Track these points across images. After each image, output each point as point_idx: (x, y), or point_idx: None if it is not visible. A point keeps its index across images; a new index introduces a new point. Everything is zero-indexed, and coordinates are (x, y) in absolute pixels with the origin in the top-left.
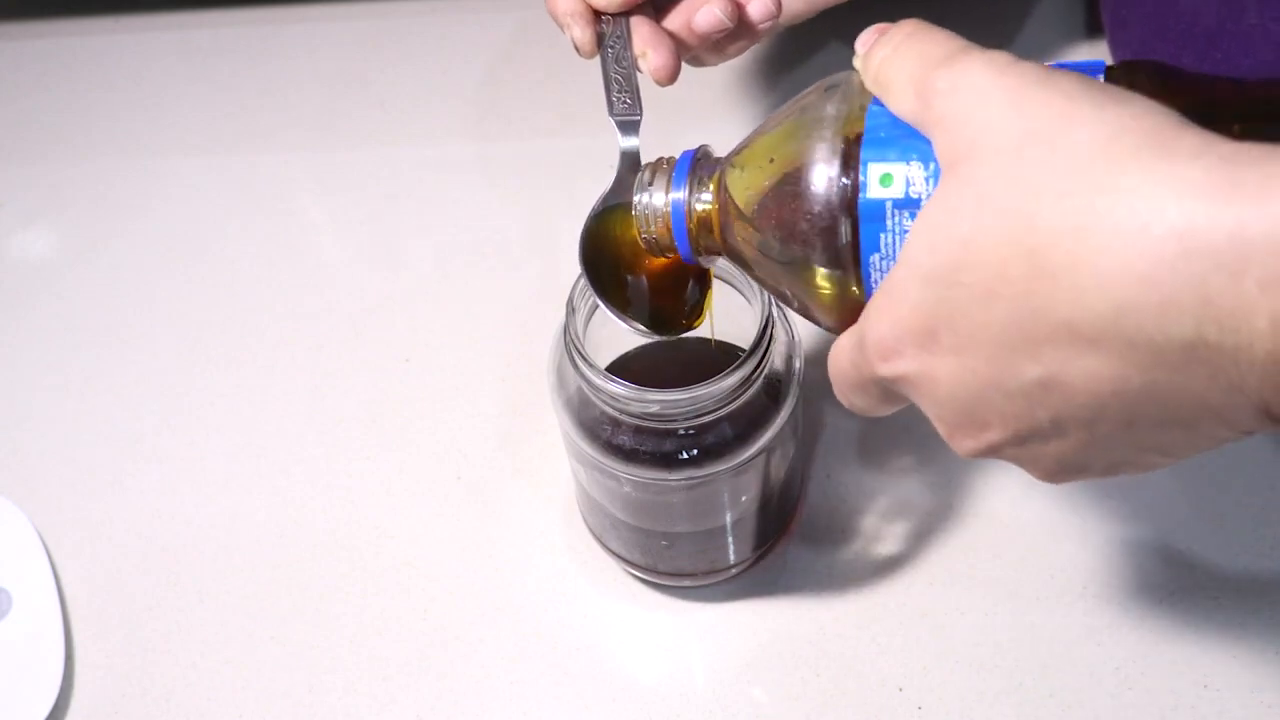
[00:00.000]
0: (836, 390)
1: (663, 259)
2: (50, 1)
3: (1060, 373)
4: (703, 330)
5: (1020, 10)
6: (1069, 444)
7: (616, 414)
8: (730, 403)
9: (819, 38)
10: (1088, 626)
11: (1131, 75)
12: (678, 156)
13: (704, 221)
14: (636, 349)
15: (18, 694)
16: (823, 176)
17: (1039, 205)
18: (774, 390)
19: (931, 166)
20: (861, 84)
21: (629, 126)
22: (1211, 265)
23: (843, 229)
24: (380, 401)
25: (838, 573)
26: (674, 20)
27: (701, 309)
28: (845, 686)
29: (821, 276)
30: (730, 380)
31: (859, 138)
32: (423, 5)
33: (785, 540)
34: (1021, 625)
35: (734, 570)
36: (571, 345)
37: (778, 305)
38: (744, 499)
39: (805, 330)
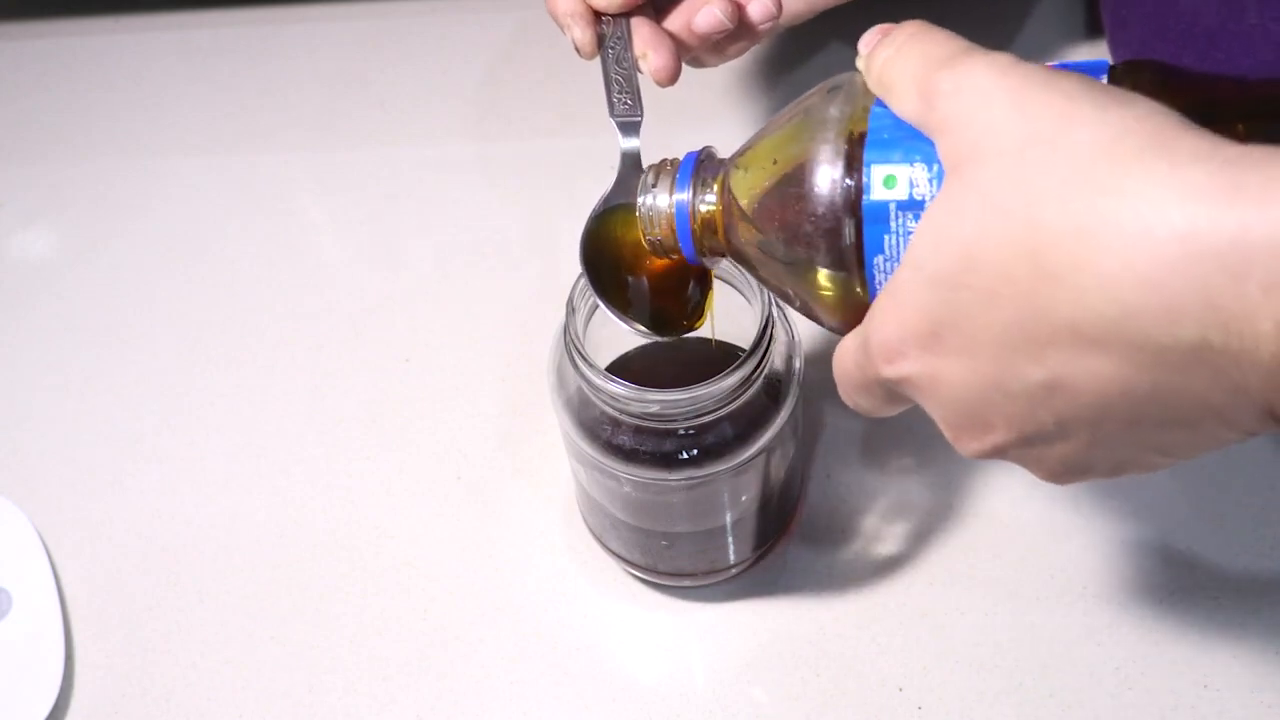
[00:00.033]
0: (841, 391)
1: (664, 260)
2: (50, 1)
3: (1064, 374)
4: (703, 330)
5: (1020, 10)
6: (1073, 445)
7: (616, 414)
8: (730, 403)
9: (819, 38)
10: (1088, 626)
11: (1134, 75)
12: (681, 158)
13: (708, 223)
14: (636, 349)
15: (18, 694)
16: (826, 178)
17: (1042, 207)
18: (774, 390)
19: (935, 168)
20: (864, 85)
21: (630, 127)
22: (1215, 268)
23: (846, 231)
24: (380, 401)
25: (838, 573)
26: (674, 21)
27: (703, 310)
28: (845, 686)
29: (825, 278)
30: (730, 380)
31: (862, 139)
32: (423, 5)
33: (785, 540)
34: (1021, 625)
35: (734, 570)
36: (571, 345)
37: (778, 305)
38: (744, 499)
39: (805, 330)
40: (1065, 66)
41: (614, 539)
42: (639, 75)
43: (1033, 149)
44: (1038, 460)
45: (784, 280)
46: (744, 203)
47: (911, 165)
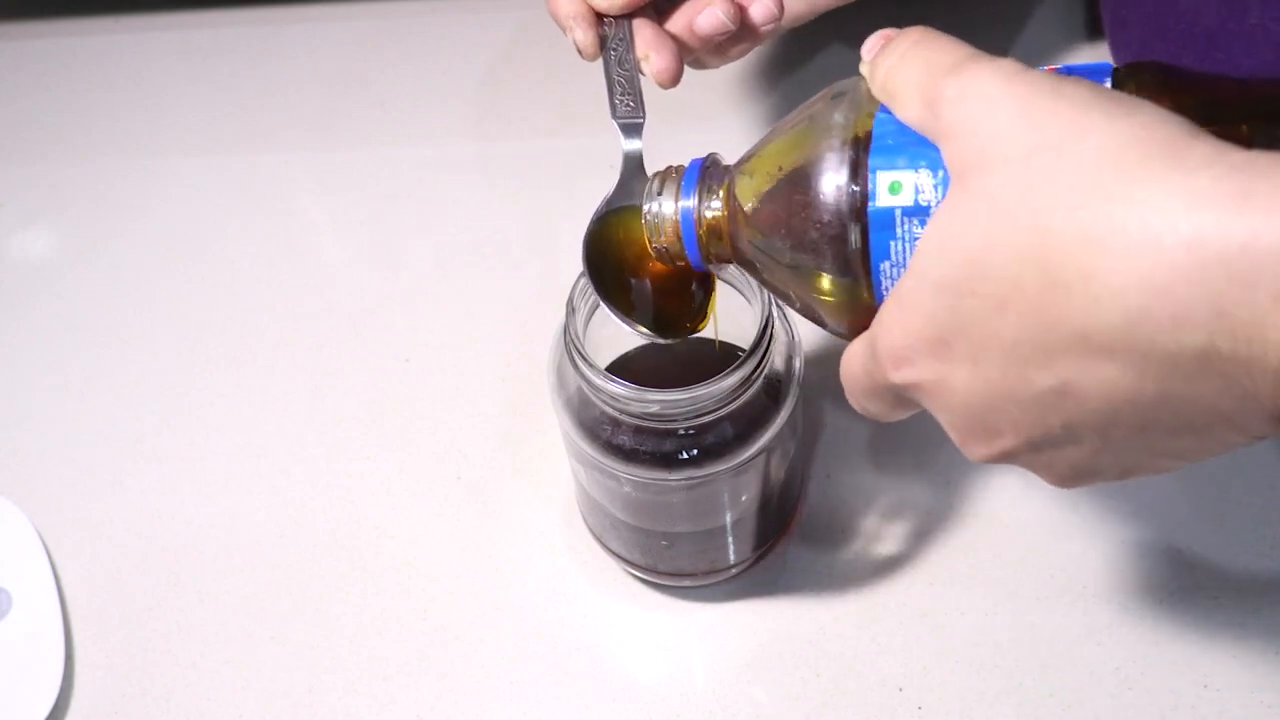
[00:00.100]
0: (849, 396)
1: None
2: (50, 1)
3: (1074, 382)
4: (706, 331)
5: (1021, 11)
6: (1082, 451)
7: (616, 414)
8: (730, 403)
9: (821, 39)
10: (1088, 626)
11: (1137, 77)
12: (686, 165)
13: (714, 229)
14: (636, 349)
15: (18, 694)
16: (832, 184)
17: (1050, 215)
18: (774, 390)
19: (940, 174)
20: (868, 91)
21: (632, 129)
22: (1224, 276)
23: (852, 237)
24: (380, 401)
25: (838, 573)
26: (676, 22)
27: (706, 311)
28: (845, 686)
29: (832, 284)
30: (730, 380)
31: (867, 145)
32: (423, 5)
33: (785, 540)
34: (1021, 625)
35: (734, 570)
36: (571, 345)
37: (778, 305)
38: (744, 499)
39: (805, 330)
40: (1068, 70)
41: (614, 539)
42: (641, 77)
43: (1039, 156)
44: (1046, 466)
45: (790, 286)
46: (749, 209)
47: (917, 171)
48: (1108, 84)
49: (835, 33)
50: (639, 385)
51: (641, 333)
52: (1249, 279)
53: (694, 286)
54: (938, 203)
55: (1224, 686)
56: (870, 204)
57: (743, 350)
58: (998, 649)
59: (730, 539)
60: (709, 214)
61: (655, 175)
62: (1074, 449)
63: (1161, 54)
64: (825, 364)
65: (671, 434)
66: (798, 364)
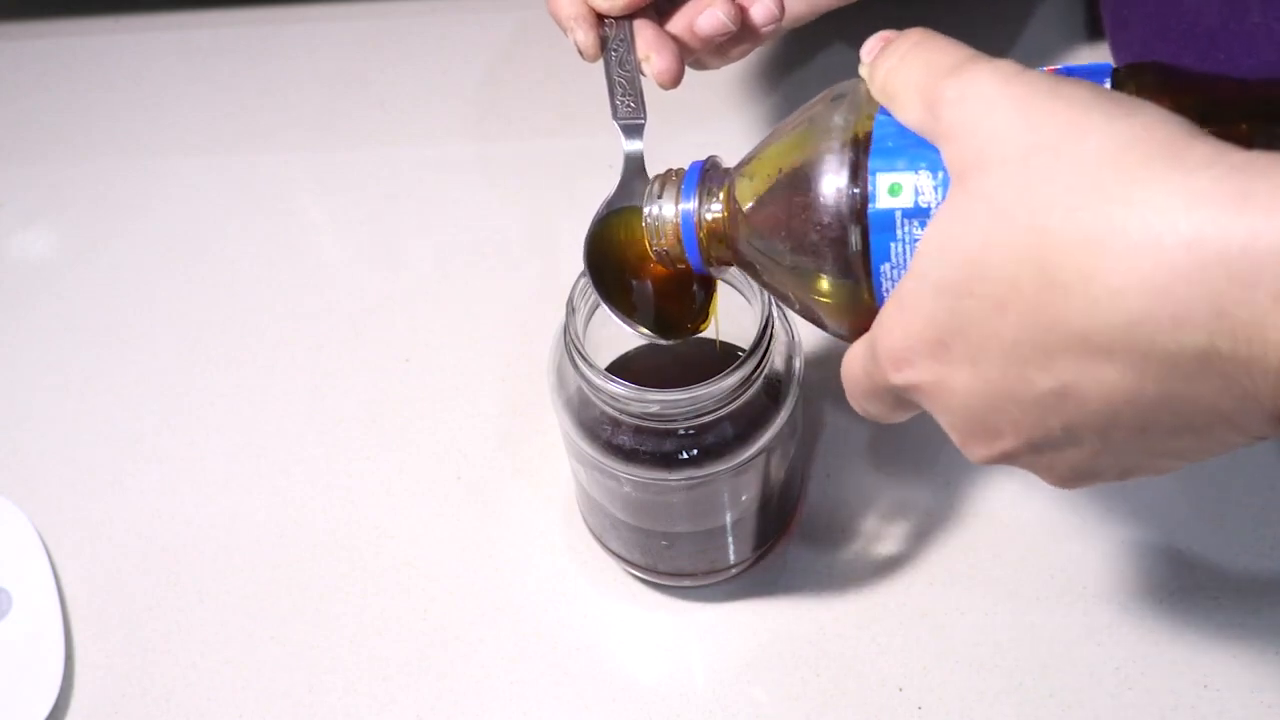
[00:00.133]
0: (850, 397)
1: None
2: (50, 1)
3: (1074, 383)
4: (707, 332)
5: (1021, 12)
6: (1083, 452)
7: (616, 414)
8: (730, 403)
9: (822, 40)
10: (1088, 626)
11: (1138, 77)
12: (686, 168)
13: (714, 232)
14: (636, 349)
15: (18, 694)
16: (831, 187)
17: (1050, 217)
18: (774, 390)
19: (940, 175)
20: (868, 93)
21: (633, 130)
22: (1224, 277)
23: (853, 239)
24: (380, 401)
25: (838, 573)
26: (677, 23)
27: (707, 312)
28: (845, 686)
29: (832, 285)
30: (730, 380)
31: (867, 147)
32: (423, 5)
33: (785, 540)
34: (1021, 625)
35: (734, 570)
36: (571, 345)
37: (778, 305)
38: (744, 499)
39: (805, 330)
40: (1068, 71)
41: (614, 539)
42: (642, 78)
43: (1038, 157)
44: (1047, 467)
45: (791, 288)
46: (750, 212)
47: (916, 173)
48: (1107, 84)
49: (836, 33)
50: (639, 385)
51: (642, 334)
52: (1249, 279)
53: (695, 287)
54: (938, 204)
55: (1224, 686)
56: (870, 206)
57: (743, 350)
58: (998, 649)
59: (730, 539)
60: (709, 217)
61: (655, 178)
62: (1074, 450)
63: (1162, 54)
64: (825, 364)
65: (671, 434)
66: (798, 364)
